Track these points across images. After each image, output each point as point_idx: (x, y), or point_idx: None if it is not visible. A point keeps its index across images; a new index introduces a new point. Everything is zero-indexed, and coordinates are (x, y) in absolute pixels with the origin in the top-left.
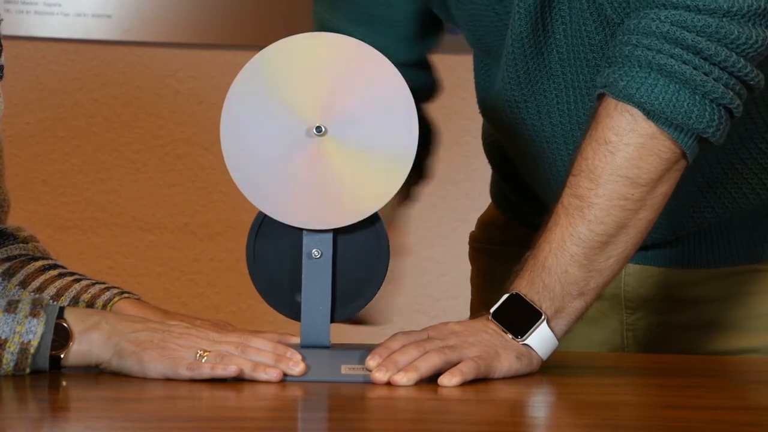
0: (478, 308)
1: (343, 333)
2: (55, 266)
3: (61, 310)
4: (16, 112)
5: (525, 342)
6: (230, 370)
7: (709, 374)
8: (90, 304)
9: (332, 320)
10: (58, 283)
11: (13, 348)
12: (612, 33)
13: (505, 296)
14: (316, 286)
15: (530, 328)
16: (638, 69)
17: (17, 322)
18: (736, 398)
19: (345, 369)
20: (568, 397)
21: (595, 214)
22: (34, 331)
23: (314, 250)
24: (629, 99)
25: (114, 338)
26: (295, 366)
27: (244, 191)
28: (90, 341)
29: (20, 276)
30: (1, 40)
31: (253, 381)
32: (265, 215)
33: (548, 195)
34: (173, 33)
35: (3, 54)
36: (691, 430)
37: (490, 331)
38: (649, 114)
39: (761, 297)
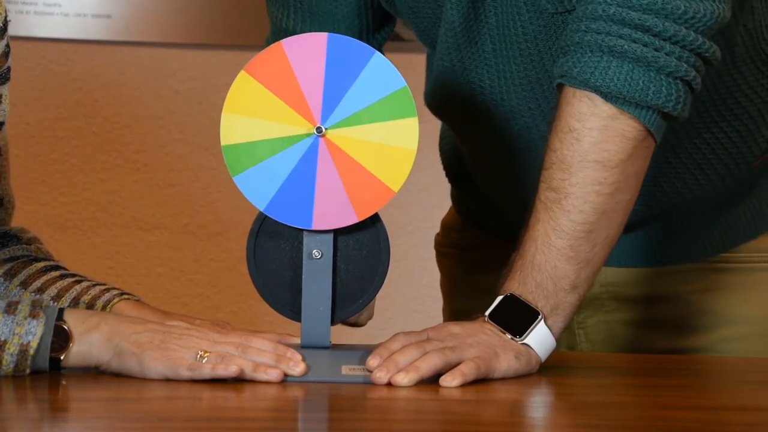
0: (447, 315)
1: (344, 333)
2: (56, 267)
3: (61, 311)
4: (16, 112)
5: (524, 341)
6: (231, 370)
7: (706, 375)
8: (90, 305)
9: (333, 321)
10: (59, 284)
11: (12, 349)
12: (546, 23)
13: (500, 298)
14: (316, 287)
15: (528, 328)
16: (590, 54)
17: (16, 323)
18: (733, 399)
19: (345, 369)
20: (567, 398)
21: (573, 204)
22: (33, 332)
23: (315, 251)
24: (585, 84)
25: (114, 339)
26: (296, 366)
27: (244, 191)
28: (90, 343)
29: (22, 276)
30: (9, 43)
31: (253, 381)
32: (266, 215)
33: (490, 186)
34: (173, 33)
35: (10, 56)
36: (686, 431)
37: (488, 332)
38: (607, 96)
39: (702, 295)
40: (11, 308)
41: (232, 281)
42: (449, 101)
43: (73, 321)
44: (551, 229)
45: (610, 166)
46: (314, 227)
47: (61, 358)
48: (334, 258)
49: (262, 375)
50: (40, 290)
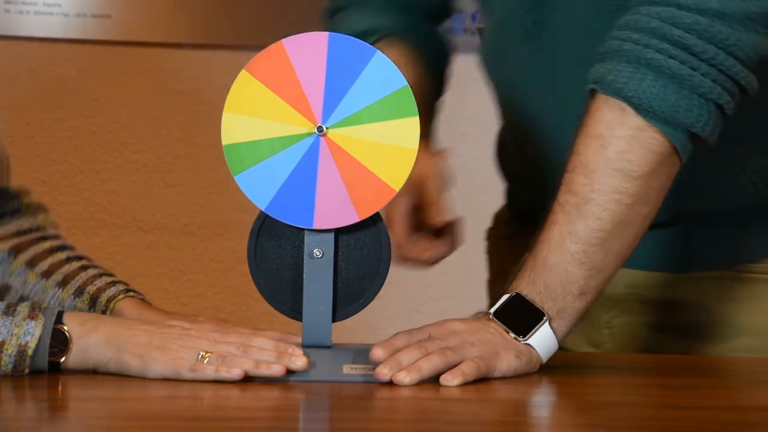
0: (490, 303)
1: (345, 333)
2: (63, 248)
3: (60, 314)
4: (16, 112)
5: (527, 342)
6: (234, 374)
7: (708, 374)
8: (94, 297)
9: (333, 320)
10: (65, 269)
11: (10, 350)
12: (596, 8)
13: (506, 296)
14: (317, 286)
15: (532, 328)
16: (626, 64)
17: (15, 324)
18: (736, 398)
19: (347, 369)
20: (569, 397)
21: (591, 210)
22: (32, 333)
23: (315, 250)
24: (617, 93)
25: (113, 342)
26: (297, 360)
27: (245, 191)
28: (88, 345)
29: (27, 255)
30: None
31: (255, 381)
32: (267, 215)
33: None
34: (173, 33)
35: None
36: (690, 430)
37: (491, 331)
38: (638, 108)
39: (723, 304)
40: (10, 310)
41: (232, 281)
42: (489, 61)
43: (71, 324)
44: (567, 233)
45: (633, 177)
46: (315, 227)
47: (61, 361)
48: (335, 257)
49: (264, 371)
50: (47, 273)
